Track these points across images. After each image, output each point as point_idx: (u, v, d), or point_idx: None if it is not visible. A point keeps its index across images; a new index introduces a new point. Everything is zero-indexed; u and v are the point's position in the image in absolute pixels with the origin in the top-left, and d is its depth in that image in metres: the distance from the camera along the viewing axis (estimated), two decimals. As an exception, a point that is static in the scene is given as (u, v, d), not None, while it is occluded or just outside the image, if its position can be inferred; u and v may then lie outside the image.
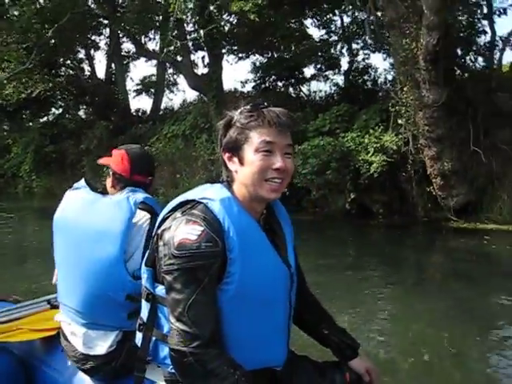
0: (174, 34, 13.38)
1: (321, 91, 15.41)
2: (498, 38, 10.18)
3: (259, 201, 1.46)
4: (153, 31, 16.90)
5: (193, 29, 14.59)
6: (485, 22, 10.04)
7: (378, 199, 9.91)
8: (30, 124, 21.42)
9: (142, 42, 17.72)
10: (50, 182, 18.54)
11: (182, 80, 17.88)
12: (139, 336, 1.51)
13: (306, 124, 11.48)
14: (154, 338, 1.47)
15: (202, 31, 13.56)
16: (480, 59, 10.13)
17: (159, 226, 1.45)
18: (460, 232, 8.58)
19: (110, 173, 2.04)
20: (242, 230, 1.38)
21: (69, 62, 19.84)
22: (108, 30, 18.67)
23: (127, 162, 2.00)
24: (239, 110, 1.44)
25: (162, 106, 19.75)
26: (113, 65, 20.12)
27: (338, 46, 15.79)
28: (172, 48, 13.45)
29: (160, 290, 1.42)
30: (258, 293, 1.40)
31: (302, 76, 15.50)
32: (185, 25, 14.28)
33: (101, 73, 20.74)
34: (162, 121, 16.57)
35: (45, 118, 21.42)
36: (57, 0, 14.50)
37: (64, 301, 1.92)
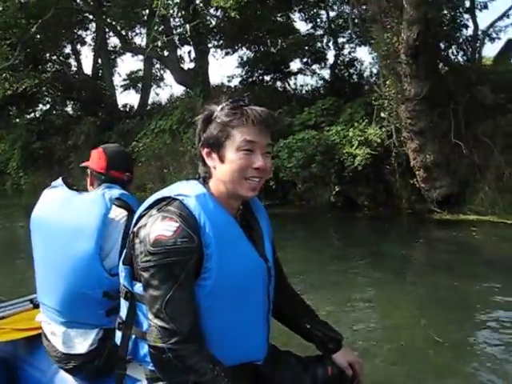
0: (159, 29, 13.40)
1: (307, 85, 15.51)
2: (479, 32, 10.30)
3: (236, 198, 1.48)
4: (139, 26, 16.91)
5: (179, 24, 14.58)
6: (467, 16, 10.16)
7: (363, 192, 10.03)
8: (17, 120, 21.26)
9: (129, 37, 17.71)
10: (38, 178, 18.45)
11: (168, 75, 17.87)
12: (119, 335, 1.51)
13: (291, 118, 11.60)
14: (133, 336, 1.47)
15: (187, 26, 13.59)
16: (462, 53, 10.23)
17: (135, 224, 1.46)
18: (443, 223, 8.71)
19: (88, 172, 2.08)
20: (218, 226, 1.39)
21: (55, 57, 19.71)
22: (94, 24, 18.60)
23: (103, 158, 2.03)
24: (220, 106, 1.44)
25: (150, 101, 19.74)
26: (99, 60, 20.03)
27: (324, 40, 15.87)
28: (158, 43, 13.44)
29: (138, 287, 1.43)
30: (235, 287, 1.41)
31: (289, 70, 15.55)
32: (171, 19, 14.30)
33: (88, 68, 20.69)
34: (150, 116, 16.53)
35: (32, 115, 21.29)
36: (41, -6, 14.42)
37: (43, 300, 1.91)
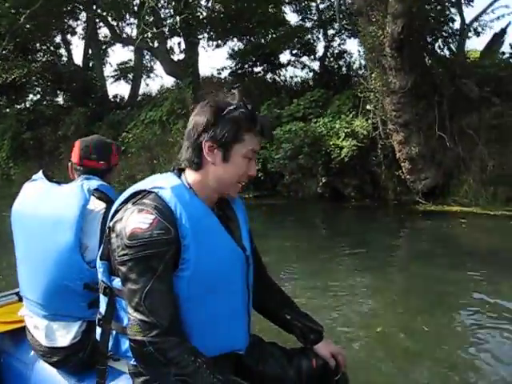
0: (150, 20, 13.38)
1: (297, 77, 15.54)
2: (464, 26, 10.39)
3: (221, 194, 1.53)
4: (129, 16, 16.84)
5: (169, 15, 14.57)
6: (454, 10, 10.24)
7: (350, 183, 10.16)
8: (7, 110, 21.10)
9: (119, 27, 17.64)
10: (28, 168, 18.36)
11: (159, 66, 17.81)
12: (99, 330, 1.51)
13: (280, 109, 11.68)
14: (114, 332, 1.46)
15: (177, 17, 13.59)
16: (447, 46, 10.33)
17: (111, 219, 1.46)
18: (427, 214, 8.85)
19: (69, 165, 2.11)
20: (195, 217, 1.40)
21: (45, 47, 19.59)
22: (85, 14, 18.46)
23: (77, 149, 2.06)
24: (234, 105, 1.45)
25: (140, 91, 19.68)
26: (90, 50, 19.93)
27: (315, 32, 15.90)
28: (149, 34, 13.45)
29: (116, 282, 1.42)
30: (214, 277, 1.42)
31: (279, 62, 15.58)
32: (162, 10, 14.31)
33: (78, 58, 20.58)
34: (140, 107, 16.53)
35: (22, 105, 21.14)
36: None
37: (26, 294, 1.90)
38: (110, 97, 19.44)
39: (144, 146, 14.10)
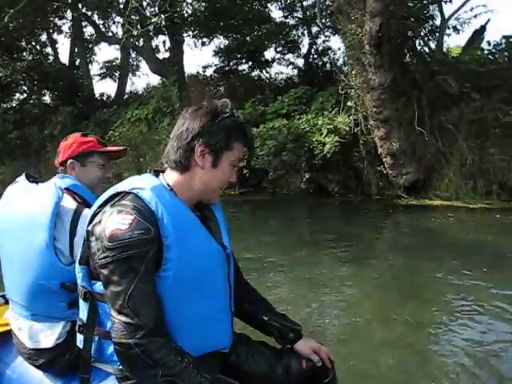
0: (135, 19, 13.38)
1: (282, 73, 15.67)
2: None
3: (201, 199, 1.56)
4: (115, 15, 16.81)
5: (154, 13, 14.56)
6: (433, 7, 10.39)
7: (333, 178, 10.30)
8: (-7, 109, 21.02)
9: (105, 26, 17.65)
10: (15, 168, 18.31)
11: (145, 64, 17.81)
12: (80, 337, 1.48)
13: (265, 107, 11.79)
14: (96, 338, 1.44)
15: (162, 16, 13.61)
16: (427, 43, 10.49)
17: (90, 222, 1.44)
18: (409, 208, 9.00)
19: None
20: (176, 216, 1.39)
21: (30, 46, 19.51)
22: (70, 13, 18.42)
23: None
24: (227, 113, 1.49)
25: (127, 89, 19.68)
26: (76, 49, 19.88)
27: (299, 29, 16.02)
28: (134, 33, 13.45)
29: (98, 286, 1.40)
30: (196, 276, 1.41)
31: (264, 59, 15.68)
32: (147, 9, 14.29)
33: (64, 57, 20.50)
34: (127, 105, 16.55)
35: (8, 104, 21.02)
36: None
37: (10, 295, 1.88)
38: (97, 95, 19.44)
39: (130, 145, 14.09)
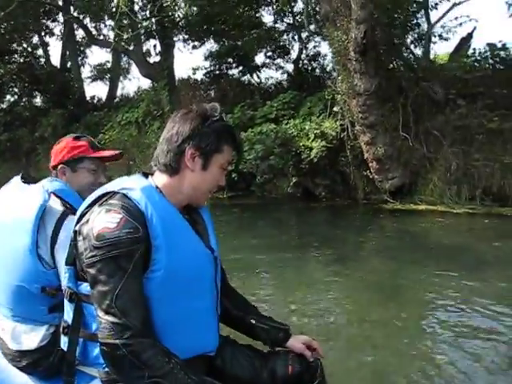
0: (125, 23, 13.45)
1: (271, 78, 15.78)
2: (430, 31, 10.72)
3: (190, 202, 1.57)
4: (107, 17, 16.86)
5: (144, 17, 14.65)
6: (419, 15, 10.56)
7: (321, 183, 10.39)
8: (-16, 112, 20.95)
9: (96, 29, 17.71)
10: (5, 170, 18.28)
11: (136, 67, 17.87)
12: (65, 339, 1.46)
13: (254, 111, 11.88)
14: (81, 340, 1.43)
15: (153, 20, 13.70)
16: (414, 50, 10.66)
17: (77, 222, 1.43)
18: (395, 212, 9.08)
19: None
20: (165, 218, 1.39)
21: (21, 48, 19.51)
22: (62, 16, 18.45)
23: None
24: (216, 116, 1.50)
25: (118, 93, 19.74)
26: (67, 51, 19.89)
27: (290, 34, 16.13)
28: (124, 37, 13.51)
29: (84, 287, 1.39)
30: (184, 278, 1.41)
31: (254, 63, 15.77)
32: (139, 13, 14.41)
33: (56, 59, 20.48)
34: (118, 108, 16.59)
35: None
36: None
37: None
38: (88, 98, 19.45)
39: (120, 148, 14.15)
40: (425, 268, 5.49)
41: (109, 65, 19.84)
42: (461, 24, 11.00)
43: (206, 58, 15.88)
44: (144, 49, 15.67)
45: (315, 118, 10.16)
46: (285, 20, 15.95)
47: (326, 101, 10.68)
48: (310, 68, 14.89)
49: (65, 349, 1.46)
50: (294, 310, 4.34)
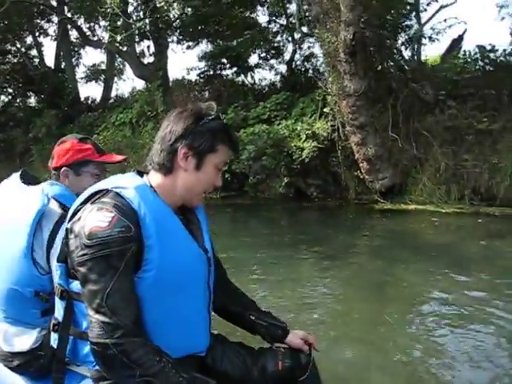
0: (119, 23, 13.50)
1: (265, 79, 15.86)
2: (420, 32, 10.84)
3: (184, 202, 1.55)
4: (101, 18, 16.88)
5: (138, 18, 14.71)
6: (410, 16, 10.69)
7: (312, 183, 10.49)
8: (-23, 112, 20.93)
9: (91, 29, 17.74)
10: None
11: (130, 68, 17.91)
12: (55, 337, 1.46)
13: (247, 112, 11.97)
14: (71, 338, 1.42)
15: (147, 21, 13.77)
16: (404, 51, 10.78)
17: (69, 220, 1.42)
18: (385, 212, 9.18)
19: None
20: (159, 218, 1.38)
21: (15, 48, 19.51)
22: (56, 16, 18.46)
23: None
24: (213, 115, 1.49)
25: (113, 93, 19.74)
26: (62, 52, 19.89)
27: (284, 36, 16.22)
28: (118, 38, 13.58)
29: (75, 285, 1.39)
30: (177, 279, 1.40)
31: (247, 64, 15.85)
32: (134, 14, 14.47)
33: (50, 60, 20.48)
34: (112, 109, 16.59)
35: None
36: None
37: None
38: (82, 99, 19.44)
39: (114, 148, 14.19)
40: (411, 266, 5.60)
41: (103, 65, 19.84)
42: (450, 26, 11.13)
43: (200, 59, 15.94)
44: (138, 50, 15.71)
45: (307, 119, 10.26)
46: (278, 21, 16.04)
47: (318, 101, 10.81)
48: (303, 69, 14.96)
49: (55, 346, 1.46)
50: (281, 306, 4.43)
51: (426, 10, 10.70)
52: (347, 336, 3.72)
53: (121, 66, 20.44)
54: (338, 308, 4.44)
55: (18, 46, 19.63)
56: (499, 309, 4.10)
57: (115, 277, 1.29)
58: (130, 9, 14.93)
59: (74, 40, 19.66)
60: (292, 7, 15.79)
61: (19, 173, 1.94)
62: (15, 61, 19.50)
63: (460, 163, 9.45)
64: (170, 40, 15.27)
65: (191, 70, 15.84)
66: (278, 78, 15.58)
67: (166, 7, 13.32)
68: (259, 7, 16.09)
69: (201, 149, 1.46)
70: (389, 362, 3.24)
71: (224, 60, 15.46)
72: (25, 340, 1.75)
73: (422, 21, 11.11)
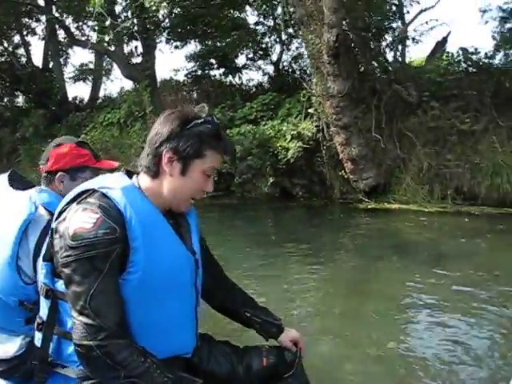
0: (107, 24, 13.49)
1: (253, 80, 15.95)
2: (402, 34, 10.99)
3: (172, 207, 1.51)
4: (88, 18, 16.85)
5: (126, 18, 14.70)
6: (394, 18, 10.84)
7: (298, 183, 10.61)
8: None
9: (79, 29, 17.73)
10: (-14, 171, 18.16)
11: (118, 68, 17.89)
12: (39, 336, 1.44)
13: (234, 112, 12.06)
14: (55, 337, 1.42)
15: (135, 21, 13.80)
16: (383, 55, 10.91)
17: (55, 219, 1.41)
18: (369, 212, 9.30)
19: None
20: (146, 219, 1.37)
21: (2, 47, 19.42)
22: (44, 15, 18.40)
23: None
24: (202, 119, 1.43)
25: (101, 93, 19.72)
26: (50, 51, 19.82)
27: (272, 37, 16.30)
28: (106, 38, 13.58)
29: (60, 284, 1.38)
30: (163, 281, 1.39)
31: (235, 65, 15.93)
32: (122, 14, 14.47)
33: (38, 59, 20.38)
34: (100, 109, 16.60)
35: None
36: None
37: None
38: (70, 99, 19.39)
39: (102, 148, 14.22)
40: (392, 263, 5.75)
41: (91, 65, 19.80)
42: (432, 28, 11.31)
43: (189, 59, 15.98)
44: (126, 50, 15.71)
45: (292, 119, 10.37)
46: (266, 22, 16.12)
47: (303, 102, 10.92)
48: (290, 70, 15.08)
49: (38, 345, 1.45)
50: (262, 302, 4.51)
51: (408, 12, 10.83)
52: (326, 331, 3.82)
53: (109, 66, 20.40)
54: (318, 304, 4.57)
55: (6, 45, 19.55)
56: (476, 302, 4.24)
57: (99, 279, 1.28)
58: (119, 8, 14.99)
59: (62, 39, 19.60)
60: (280, 9, 15.91)
61: (7, 174, 1.91)
62: (2, 60, 19.40)
63: (443, 163, 9.60)
64: (157, 40, 15.30)
65: (178, 70, 15.90)
66: (266, 78, 15.67)
67: (154, 7, 13.32)
68: (248, 7, 16.14)
69: (186, 154, 1.41)
70: (365, 357, 3.34)
71: (212, 60, 15.52)
72: (8, 348, 1.74)
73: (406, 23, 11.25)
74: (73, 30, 17.70)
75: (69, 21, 17.55)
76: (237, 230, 8.46)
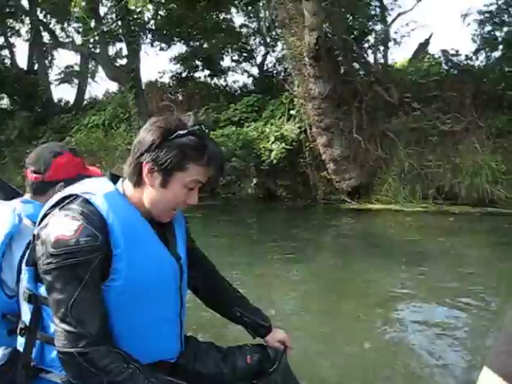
0: (92, 26, 13.48)
1: (238, 82, 16.03)
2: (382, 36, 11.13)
3: (153, 216, 1.46)
4: (73, 20, 16.81)
5: (111, 21, 14.71)
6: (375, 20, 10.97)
7: (282, 184, 10.70)
8: None
9: (64, 30, 17.66)
10: (-30, 174, 18.07)
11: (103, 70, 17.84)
12: (21, 341, 1.42)
13: (218, 114, 12.12)
14: (38, 342, 1.40)
15: (119, 23, 13.80)
16: (371, 54, 11.06)
17: (38, 224, 1.38)
18: (352, 212, 9.41)
19: None
20: (128, 226, 1.35)
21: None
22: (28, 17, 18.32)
23: None
24: (186, 130, 1.36)
25: (87, 95, 19.64)
26: (34, 53, 19.71)
27: (257, 39, 16.40)
28: (91, 40, 13.57)
29: (43, 289, 1.35)
30: (146, 288, 1.38)
31: (220, 67, 16.00)
32: (108, 15, 14.47)
33: (23, 61, 20.25)
34: (86, 111, 16.54)
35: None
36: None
37: None
38: (55, 101, 19.30)
39: (87, 151, 14.19)
40: (372, 262, 5.79)
41: (77, 67, 19.72)
42: (413, 30, 11.49)
43: (174, 62, 16.01)
44: (111, 52, 15.70)
45: (276, 121, 10.45)
46: (250, 25, 16.22)
47: (288, 104, 11.00)
48: (274, 71, 15.20)
49: (21, 350, 1.43)
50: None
51: (389, 14, 10.97)
52: (303, 329, 3.86)
53: (94, 68, 20.34)
54: (297, 302, 4.62)
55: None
56: (455, 298, 4.31)
57: (80, 286, 1.27)
58: (104, 10, 14.98)
59: (47, 41, 19.51)
60: (261, 13, 16.00)
61: None
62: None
63: (424, 163, 9.74)
64: (142, 42, 15.32)
65: (164, 73, 15.92)
66: (250, 80, 15.75)
67: (139, 9, 13.33)
68: (233, 9, 16.19)
69: (166, 166, 1.35)
70: (341, 354, 3.38)
71: (197, 62, 15.56)
72: None
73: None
74: (58, 31, 17.66)
75: (53, 22, 17.49)
76: (221, 230, 8.49)
